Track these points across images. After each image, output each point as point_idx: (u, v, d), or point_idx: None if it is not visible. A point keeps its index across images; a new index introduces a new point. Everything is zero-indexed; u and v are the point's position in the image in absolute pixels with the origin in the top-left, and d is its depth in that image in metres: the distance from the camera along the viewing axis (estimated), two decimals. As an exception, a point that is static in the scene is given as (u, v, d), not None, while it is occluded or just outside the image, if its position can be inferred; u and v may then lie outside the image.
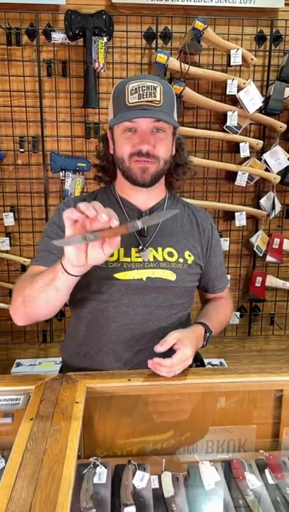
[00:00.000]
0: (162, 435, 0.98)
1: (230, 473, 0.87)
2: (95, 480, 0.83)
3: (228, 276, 2.39)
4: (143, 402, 0.97)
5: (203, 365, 1.28)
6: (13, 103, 2.15)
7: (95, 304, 1.13)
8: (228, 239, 2.34)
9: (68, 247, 0.85)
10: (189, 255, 1.18)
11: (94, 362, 1.14)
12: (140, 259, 1.12)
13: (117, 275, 1.10)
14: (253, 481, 0.85)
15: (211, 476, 0.84)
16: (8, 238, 2.26)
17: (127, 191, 1.17)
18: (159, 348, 0.96)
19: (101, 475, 0.84)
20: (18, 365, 2.40)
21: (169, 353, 0.97)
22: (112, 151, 1.16)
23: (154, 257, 1.14)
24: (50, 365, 2.39)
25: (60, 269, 0.91)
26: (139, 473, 0.85)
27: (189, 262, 1.17)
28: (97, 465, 0.86)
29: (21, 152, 2.18)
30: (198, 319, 1.17)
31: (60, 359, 2.44)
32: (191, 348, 0.99)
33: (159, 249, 1.15)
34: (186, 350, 0.97)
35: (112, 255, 1.12)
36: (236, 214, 2.27)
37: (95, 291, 1.11)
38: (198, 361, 1.28)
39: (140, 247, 1.13)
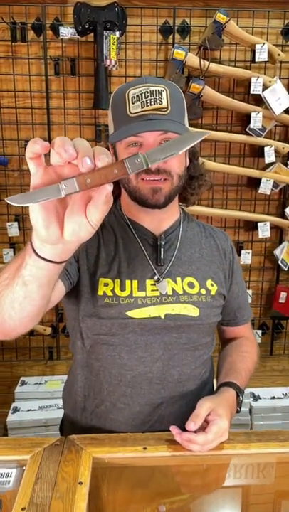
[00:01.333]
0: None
1: None
2: None
3: (250, 291, 2.20)
4: (161, 474, 0.80)
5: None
6: (18, 104, 1.99)
7: (104, 349, 0.95)
8: (250, 251, 2.15)
9: (34, 209, 0.54)
10: (212, 284, 1.00)
11: (105, 421, 0.96)
12: (157, 293, 0.95)
13: (131, 313, 0.93)
14: None
15: None
16: (12, 250, 2.11)
17: (136, 213, 0.99)
18: (192, 425, 0.79)
19: None
20: (23, 383, 2.25)
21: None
22: None
23: (173, 289, 0.96)
24: (56, 384, 2.24)
25: (28, 251, 0.63)
26: None
27: (212, 292, 1.00)
28: None
29: (27, 157, 2.02)
30: (225, 377, 0.99)
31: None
32: (227, 419, 0.82)
33: (178, 279, 0.97)
34: (221, 423, 0.80)
35: (123, 289, 0.94)
36: (259, 224, 2.08)
37: (104, 333, 0.94)
38: None
39: (156, 278, 0.96)
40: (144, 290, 0.95)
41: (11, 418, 2.05)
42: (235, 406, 0.93)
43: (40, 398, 2.17)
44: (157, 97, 0.87)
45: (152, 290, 0.95)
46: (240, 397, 0.94)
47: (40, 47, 1.94)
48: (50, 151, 0.54)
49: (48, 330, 2.16)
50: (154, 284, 0.95)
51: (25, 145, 2.00)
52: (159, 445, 0.79)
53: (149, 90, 0.87)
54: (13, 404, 2.13)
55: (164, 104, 0.88)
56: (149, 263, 0.98)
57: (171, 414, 0.95)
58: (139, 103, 0.87)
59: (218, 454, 0.79)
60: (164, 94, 0.88)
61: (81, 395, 1.00)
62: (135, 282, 0.95)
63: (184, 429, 0.95)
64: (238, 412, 0.93)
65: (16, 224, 2.08)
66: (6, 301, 0.70)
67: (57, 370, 2.32)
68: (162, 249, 0.97)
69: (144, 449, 0.78)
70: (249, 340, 1.15)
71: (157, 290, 0.95)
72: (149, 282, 0.96)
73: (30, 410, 2.09)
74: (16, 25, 1.89)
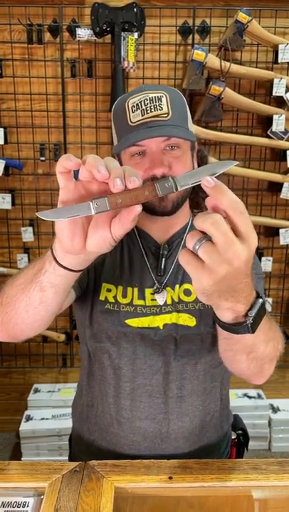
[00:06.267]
0: None
1: None
2: None
3: (270, 300, 2.13)
4: (188, 506, 0.74)
5: (246, 436, 1.03)
6: (34, 107, 1.96)
7: (105, 358, 0.92)
8: (270, 258, 2.08)
9: (60, 222, 0.56)
10: None
11: (106, 434, 0.92)
12: (156, 303, 0.91)
13: (130, 321, 0.90)
14: None
15: None
16: (26, 255, 2.07)
17: (143, 221, 0.95)
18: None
19: None
20: (36, 391, 2.22)
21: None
22: None
23: (172, 297, 0.92)
24: (69, 393, 2.20)
25: (47, 258, 0.65)
26: None
27: None
28: None
29: (42, 161, 1.99)
30: None
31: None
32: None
33: (176, 287, 0.93)
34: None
35: (125, 296, 0.91)
36: (281, 231, 2.02)
37: (104, 341, 0.91)
38: (239, 429, 1.04)
39: (155, 288, 0.92)
40: (143, 299, 0.92)
41: (24, 427, 2.01)
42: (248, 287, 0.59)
43: (54, 406, 2.13)
44: (157, 104, 0.86)
45: (152, 299, 0.92)
46: (261, 300, 0.62)
47: (56, 49, 1.91)
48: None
49: (62, 337, 2.12)
50: (153, 294, 0.92)
51: (41, 148, 1.98)
52: (186, 474, 0.74)
53: (148, 97, 0.86)
54: (26, 412, 2.10)
55: (165, 109, 0.85)
56: (149, 272, 0.94)
57: (174, 432, 0.90)
58: (139, 111, 0.86)
59: (250, 486, 0.73)
60: (163, 99, 0.86)
61: (85, 405, 0.97)
62: (136, 290, 0.93)
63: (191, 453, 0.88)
64: (247, 324, 0.60)
65: (30, 229, 2.04)
66: (21, 305, 0.72)
67: (70, 377, 2.28)
68: (163, 259, 0.94)
69: (170, 478, 0.73)
70: None
71: (156, 300, 0.92)
72: (148, 291, 0.93)
73: (43, 419, 2.06)
74: (33, 26, 1.86)
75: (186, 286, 0.93)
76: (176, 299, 0.92)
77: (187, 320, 0.90)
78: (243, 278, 0.55)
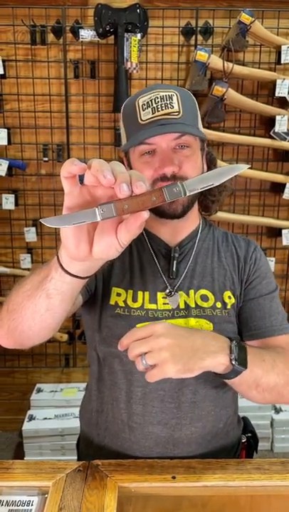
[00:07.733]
0: None
1: None
2: None
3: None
4: (191, 506, 0.74)
5: (255, 438, 1.03)
6: (37, 108, 1.97)
7: (116, 363, 0.90)
8: (273, 258, 2.09)
9: (65, 229, 0.56)
10: (229, 297, 0.94)
11: (117, 440, 0.91)
12: (169, 307, 0.90)
13: (141, 326, 0.88)
14: None
15: None
16: (29, 255, 2.08)
17: (152, 224, 0.94)
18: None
19: None
20: (39, 390, 2.22)
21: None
22: None
23: (185, 302, 0.91)
24: (72, 392, 2.20)
25: (54, 265, 0.64)
26: None
27: (229, 306, 0.93)
28: None
29: (45, 161, 2.00)
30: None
31: (83, 385, 2.28)
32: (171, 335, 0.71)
33: (191, 292, 0.92)
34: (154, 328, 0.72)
35: (135, 300, 0.90)
36: (284, 231, 2.02)
37: (115, 346, 0.87)
38: (248, 432, 1.02)
39: (167, 291, 0.91)
40: (155, 303, 0.91)
41: (27, 426, 2.02)
42: (216, 351, 0.73)
43: (56, 406, 2.13)
44: (168, 102, 0.85)
45: (164, 303, 0.91)
46: (234, 344, 0.74)
47: (59, 50, 1.92)
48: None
49: (65, 337, 2.13)
50: (166, 297, 0.91)
51: (44, 149, 1.98)
52: (189, 474, 0.74)
53: (159, 96, 0.85)
54: (29, 412, 2.11)
55: (176, 108, 0.85)
56: (161, 275, 0.93)
57: (186, 437, 0.89)
58: (149, 109, 0.85)
59: (253, 486, 0.73)
60: (174, 98, 0.85)
61: (94, 410, 0.96)
62: (147, 294, 0.91)
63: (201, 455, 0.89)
64: (228, 375, 0.74)
65: (33, 229, 2.05)
66: (27, 312, 0.71)
67: (73, 377, 2.28)
68: (175, 262, 0.93)
69: (173, 478, 0.73)
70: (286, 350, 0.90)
71: (169, 304, 0.90)
72: (160, 295, 0.91)
73: (46, 419, 2.06)
74: (36, 27, 1.87)
75: (202, 291, 0.93)
76: (193, 305, 0.91)
77: (204, 325, 0.89)
78: (189, 340, 0.72)
